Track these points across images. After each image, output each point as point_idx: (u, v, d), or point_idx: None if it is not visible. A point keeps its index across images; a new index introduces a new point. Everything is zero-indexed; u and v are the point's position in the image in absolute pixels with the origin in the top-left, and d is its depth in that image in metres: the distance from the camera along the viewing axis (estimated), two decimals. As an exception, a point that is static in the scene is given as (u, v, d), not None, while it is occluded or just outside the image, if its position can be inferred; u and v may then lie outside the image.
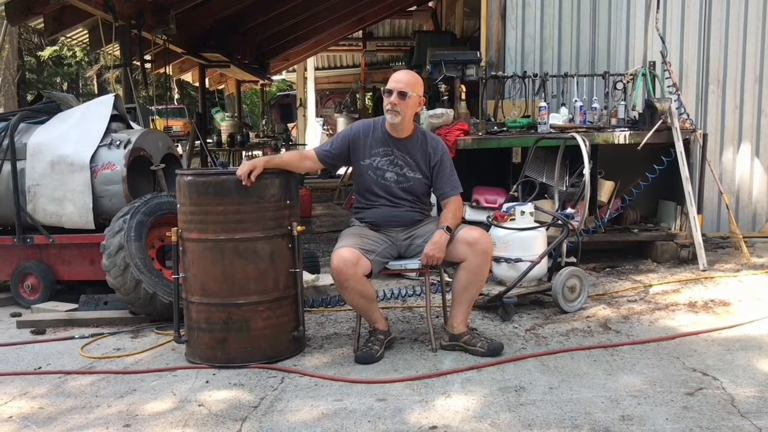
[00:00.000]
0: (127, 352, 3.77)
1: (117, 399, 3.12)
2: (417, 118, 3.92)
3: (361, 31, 17.42)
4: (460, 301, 3.54)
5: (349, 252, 3.37)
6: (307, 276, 4.59)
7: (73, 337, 4.07)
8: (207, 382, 3.29)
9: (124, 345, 3.91)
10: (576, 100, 5.84)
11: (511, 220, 4.37)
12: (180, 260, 3.54)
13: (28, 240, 4.79)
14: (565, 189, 5.25)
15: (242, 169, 3.38)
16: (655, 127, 5.31)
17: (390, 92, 3.50)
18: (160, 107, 13.55)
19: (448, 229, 3.46)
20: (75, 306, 4.53)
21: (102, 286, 4.38)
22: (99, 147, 4.77)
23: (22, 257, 4.84)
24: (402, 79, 3.53)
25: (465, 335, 3.54)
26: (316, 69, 20.48)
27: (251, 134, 14.75)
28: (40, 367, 3.60)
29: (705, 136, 5.65)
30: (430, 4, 15.04)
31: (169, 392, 3.17)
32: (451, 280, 3.82)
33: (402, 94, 3.48)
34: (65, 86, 26.52)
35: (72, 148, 4.74)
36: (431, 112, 5.54)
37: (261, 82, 17.32)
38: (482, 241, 3.47)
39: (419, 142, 3.63)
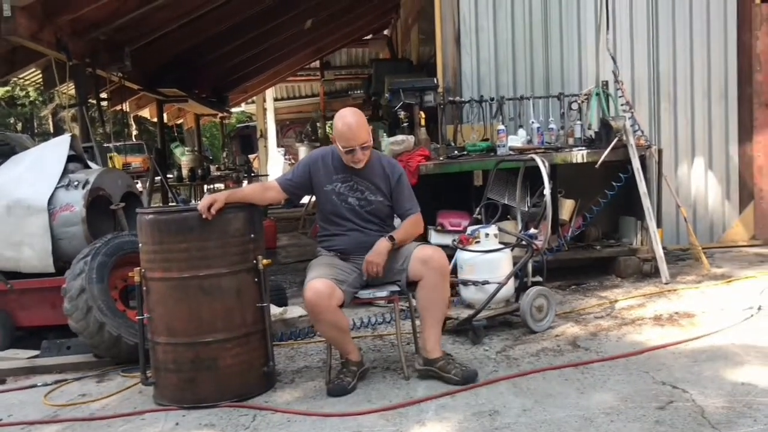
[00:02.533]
0: (93, 398, 3.66)
1: (84, 447, 3.03)
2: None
3: (318, 61, 17.53)
4: (428, 322, 3.51)
5: (322, 284, 3.34)
6: (274, 309, 4.54)
7: (35, 385, 3.95)
8: (177, 424, 3.21)
9: (90, 390, 3.81)
10: (533, 122, 5.94)
11: (476, 242, 4.39)
12: (144, 300, 3.47)
13: (-15, 287, 4.65)
14: (527, 209, 5.31)
15: (202, 203, 3.36)
16: (612, 145, 5.42)
17: (352, 151, 3.46)
18: (118, 144, 13.39)
19: (391, 238, 3.50)
20: (37, 352, 4.40)
21: (64, 331, 4.26)
22: (56, 188, 4.68)
23: (-20, 305, 4.70)
24: (357, 133, 3.45)
25: (440, 361, 3.48)
26: (275, 99, 20.52)
27: (212, 168, 14.65)
28: (1, 419, 3.48)
29: (660, 152, 5.79)
30: (386, 32, 15.23)
31: (138, 437, 3.10)
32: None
33: (364, 149, 3.48)
34: (19, 127, 26.05)
35: (28, 191, 4.64)
36: (392, 139, 5.58)
37: (220, 114, 17.25)
38: (435, 257, 3.46)
39: (377, 166, 3.64)
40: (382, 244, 3.49)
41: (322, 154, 3.69)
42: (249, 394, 3.45)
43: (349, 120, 3.48)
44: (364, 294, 3.60)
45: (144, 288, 3.46)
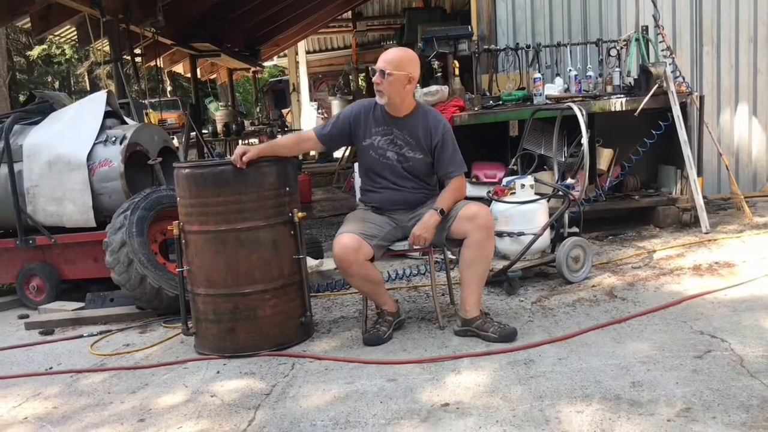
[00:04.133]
0: (137, 348, 3.78)
1: (129, 394, 3.14)
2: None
3: (350, 12, 17.30)
4: (469, 281, 3.44)
5: (349, 238, 3.36)
6: (310, 261, 4.59)
7: (81, 336, 4.09)
8: (218, 372, 3.30)
9: (133, 340, 3.93)
10: (570, 70, 5.81)
11: (511, 193, 4.36)
12: (183, 253, 3.54)
13: (30, 241, 4.79)
14: (564, 159, 5.23)
15: (235, 153, 3.40)
16: (651, 92, 5.28)
17: (375, 72, 3.44)
18: (153, 100, 13.50)
19: (442, 211, 3.40)
20: (81, 305, 4.54)
21: (107, 284, 4.38)
22: (95, 144, 4.75)
23: (26, 259, 4.85)
24: (386, 57, 3.42)
25: (477, 320, 3.43)
26: (308, 52, 20.37)
27: (246, 122, 14.70)
28: (51, 368, 3.62)
29: (701, 99, 5.62)
30: (419, -20, 14.92)
31: (181, 385, 3.19)
32: (453, 257, 3.80)
33: (382, 73, 3.37)
34: (57, 85, 26.37)
35: (68, 147, 4.73)
36: (425, 90, 5.51)
37: (252, 69, 17.23)
38: (481, 215, 3.38)
39: (420, 120, 3.52)
40: (432, 219, 3.39)
41: (364, 108, 3.58)
42: (287, 343, 3.52)
43: (392, 49, 3.55)
44: (398, 246, 3.61)
45: (183, 241, 3.52)
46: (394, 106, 3.46)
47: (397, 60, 3.41)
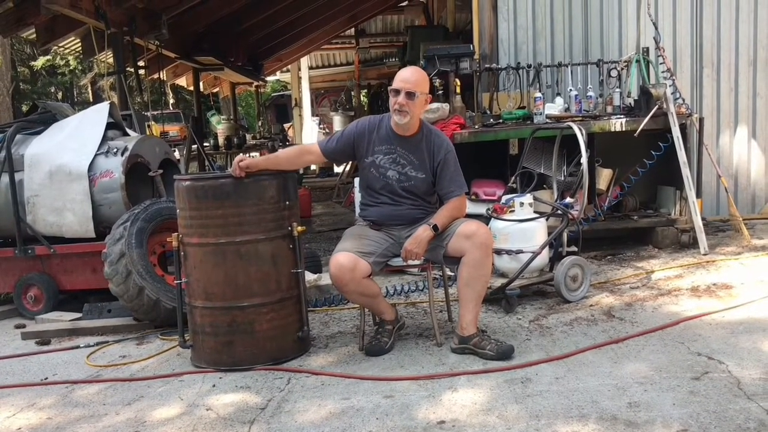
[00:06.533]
0: (133, 359, 3.77)
1: (125, 406, 3.12)
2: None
3: (353, 29, 17.40)
4: (466, 299, 3.43)
5: (345, 257, 3.36)
6: (309, 276, 4.59)
7: (78, 346, 4.07)
8: (214, 385, 3.29)
9: (130, 352, 3.92)
10: (571, 90, 5.84)
11: (510, 211, 4.37)
12: (182, 265, 3.54)
13: (30, 251, 4.78)
14: (563, 178, 5.25)
15: (234, 162, 3.42)
16: (651, 113, 5.31)
17: (397, 92, 3.41)
18: (155, 113, 13.55)
19: (435, 227, 3.40)
20: (79, 315, 4.53)
21: (105, 294, 4.38)
22: (96, 155, 4.76)
23: (24, 268, 4.84)
24: (410, 78, 3.43)
25: (474, 337, 3.42)
26: (310, 68, 20.46)
27: (248, 136, 14.74)
28: (46, 378, 3.60)
29: (701, 120, 5.65)
30: (422, -2, 15.01)
31: (177, 397, 3.18)
32: (452, 274, 3.79)
33: (410, 95, 3.39)
34: (60, 96, 26.47)
35: (69, 158, 4.74)
36: (426, 107, 5.52)
37: (255, 83, 17.30)
38: (480, 233, 3.38)
39: (424, 140, 3.54)
40: (424, 234, 3.40)
41: (369, 125, 3.60)
42: (284, 357, 3.52)
43: (409, 68, 3.57)
44: (396, 262, 3.61)
45: (182, 253, 3.52)
46: (408, 125, 3.48)
47: (420, 81, 3.47)
